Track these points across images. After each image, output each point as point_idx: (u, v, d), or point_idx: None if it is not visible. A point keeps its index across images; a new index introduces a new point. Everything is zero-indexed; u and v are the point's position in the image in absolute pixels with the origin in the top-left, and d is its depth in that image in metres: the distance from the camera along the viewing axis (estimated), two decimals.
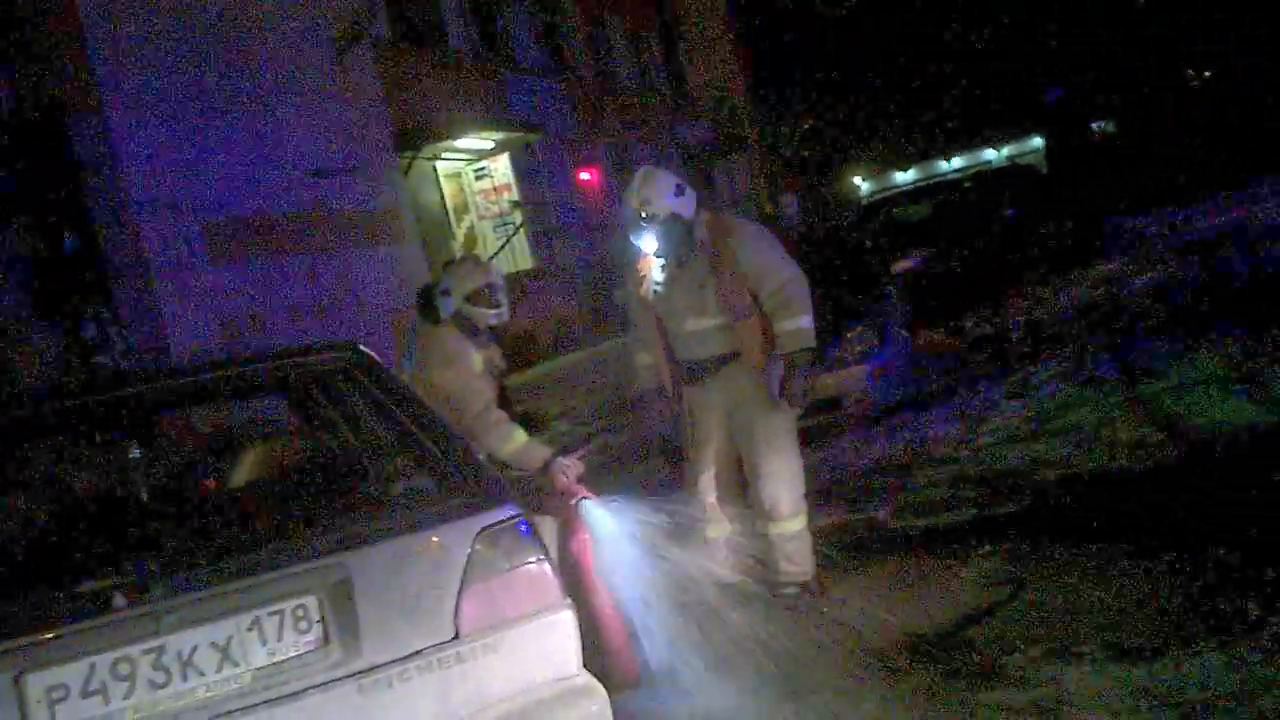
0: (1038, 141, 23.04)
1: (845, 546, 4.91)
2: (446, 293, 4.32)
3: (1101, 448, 5.48)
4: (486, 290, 4.33)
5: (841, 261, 7.95)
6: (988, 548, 4.48)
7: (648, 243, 4.44)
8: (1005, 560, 4.33)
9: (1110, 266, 11.67)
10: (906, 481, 5.74)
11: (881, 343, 7.37)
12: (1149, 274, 10.64)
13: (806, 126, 28.11)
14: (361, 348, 2.94)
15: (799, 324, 4.30)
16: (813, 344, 4.35)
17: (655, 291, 4.56)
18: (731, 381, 4.44)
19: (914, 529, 5.01)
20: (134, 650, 2.16)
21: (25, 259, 9.94)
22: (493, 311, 4.34)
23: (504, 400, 4.45)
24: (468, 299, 4.29)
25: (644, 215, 4.35)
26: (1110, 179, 18.20)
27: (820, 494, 5.35)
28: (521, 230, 16.02)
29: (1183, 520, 4.16)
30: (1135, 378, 6.62)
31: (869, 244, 8.52)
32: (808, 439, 5.96)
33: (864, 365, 7.27)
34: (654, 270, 4.55)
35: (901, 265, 8.91)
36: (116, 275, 10.15)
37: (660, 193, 4.36)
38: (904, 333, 7.76)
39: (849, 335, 7.30)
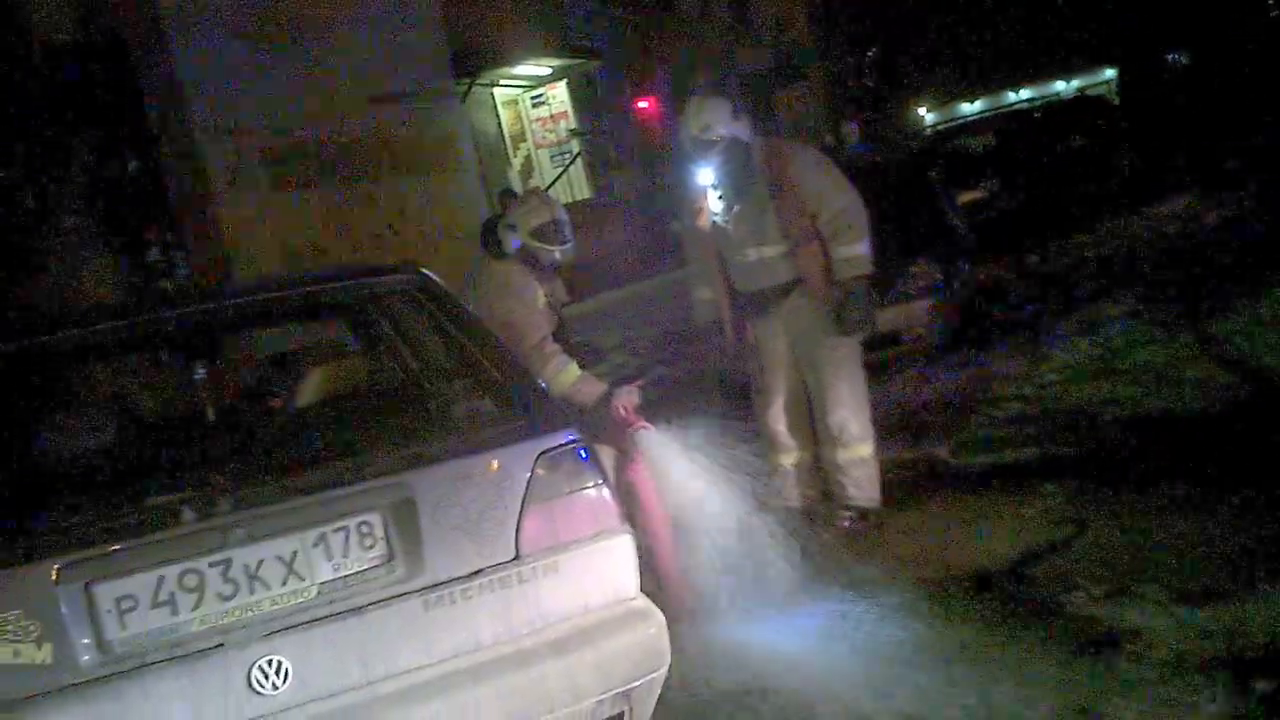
0: (1109, 73, 22.31)
1: (905, 482, 4.88)
2: (512, 227, 4.30)
3: (1169, 387, 5.36)
4: (552, 226, 4.30)
5: (904, 194, 7.76)
6: (1050, 487, 4.42)
7: (705, 174, 4.38)
8: (1068, 500, 4.27)
9: (1183, 201, 11.32)
10: (968, 418, 5.67)
11: (944, 277, 7.22)
12: (1223, 210, 10.30)
13: (870, 55, 27.44)
14: (424, 270, 2.94)
15: (856, 250, 4.27)
16: (869, 270, 4.30)
17: (714, 223, 4.51)
18: (794, 310, 4.42)
19: (975, 466, 4.95)
20: (202, 563, 2.20)
21: (89, 184, 10.07)
22: (559, 248, 4.32)
23: (563, 333, 4.45)
24: (533, 234, 4.26)
25: (704, 140, 4.30)
26: (1184, 112, 17.57)
27: (880, 429, 5.30)
28: (579, 159, 15.91)
29: (1250, 462, 4.06)
30: (1206, 317, 6.44)
31: (933, 176, 8.31)
32: (871, 373, 5.91)
33: (926, 300, 7.13)
34: (711, 201, 4.50)
35: (966, 198, 8.71)
36: (179, 201, 10.27)
37: (719, 117, 4.30)
38: (968, 267, 7.60)
39: (911, 269, 7.15)
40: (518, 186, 12.98)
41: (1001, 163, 10.56)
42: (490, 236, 4.39)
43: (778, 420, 4.63)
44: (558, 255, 4.31)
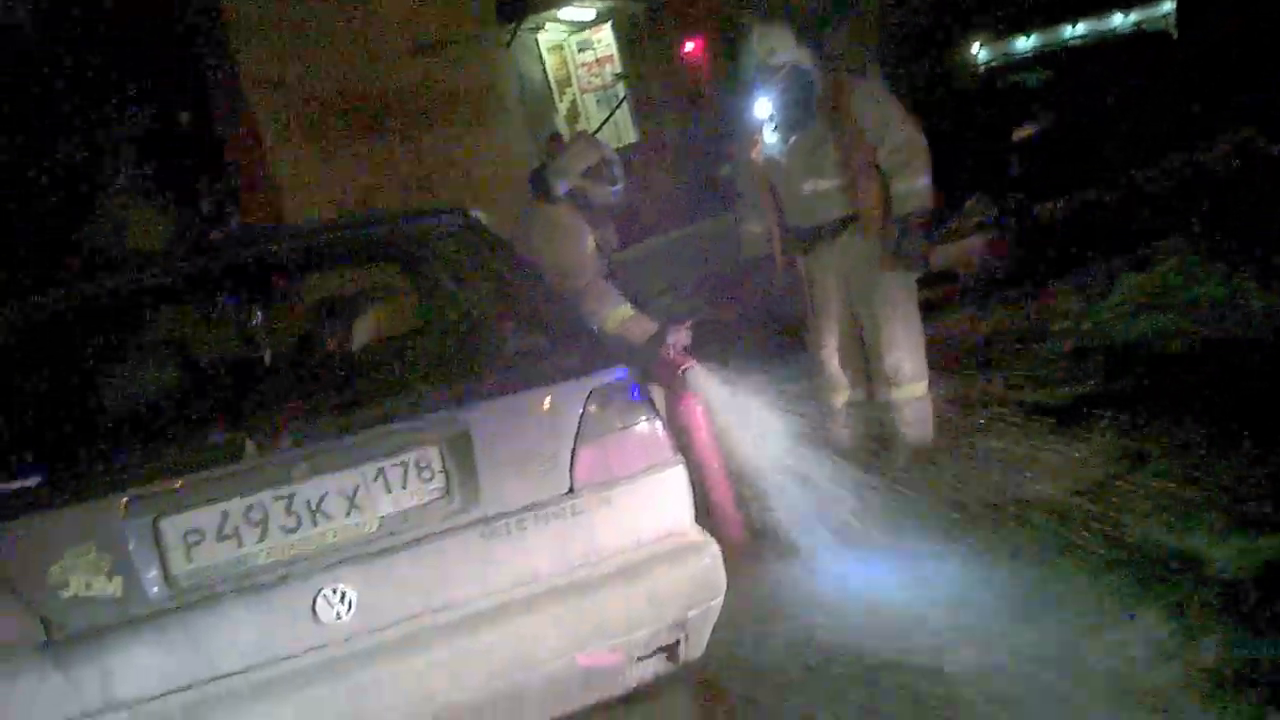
0: (1168, 6, 21.58)
1: (961, 420, 4.84)
2: (561, 171, 4.29)
3: (1227, 320, 5.25)
4: (603, 166, 4.28)
5: (958, 130, 7.62)
6: (1107, 421, 4.36)
7: (761, 105, 4.33)
8: (1126, 433, 4.21)
9: (1242, 135, 10.97)
10: (1024, 355, 5.60)
11: (999, 214, 7.10)
12: None
13: None
14: (473, 212, 2.95)
15: (917, 184, 4.19)
16: (930, 205, 4.23)
17: (769, 156, 4.46)
18: (849, 246, 4.36)
19: (1031, 402, 4.89)
20: (265, 497, 2.25)
21: (141, 137, 10.19)
22: (610, 188, 4.30)
23: (613, 278, 4.45)
24: (584, 176, 4.26)
25: (769, 65, 4.24)
26: (1244, 44, 16.96)
27: (935, 367, 5.26)
28: (625, 104, 15.78)
29: None
30: (1266, 250, 6.26)
31: (987, 112, 8.13)
32: (925, 310, 5.85)
33: (981, 237, 7.03)
34: (767, 134, 4.44)
35: (1020, 134, 8.51)
36: (230, 153, 10.36)
37: (784, 43, 4.25)
38: (1023, 203, 7.45)
39: (966, 206, 7.04)
40: (564, 132, 12.93)
41: (1057, 98, 10.29)
42: (540, 181, 4.39)
43: (830, 359, 4.59)
44: (609, 195, 4.30)
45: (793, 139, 4.33)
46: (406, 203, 10.70)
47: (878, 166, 4.22)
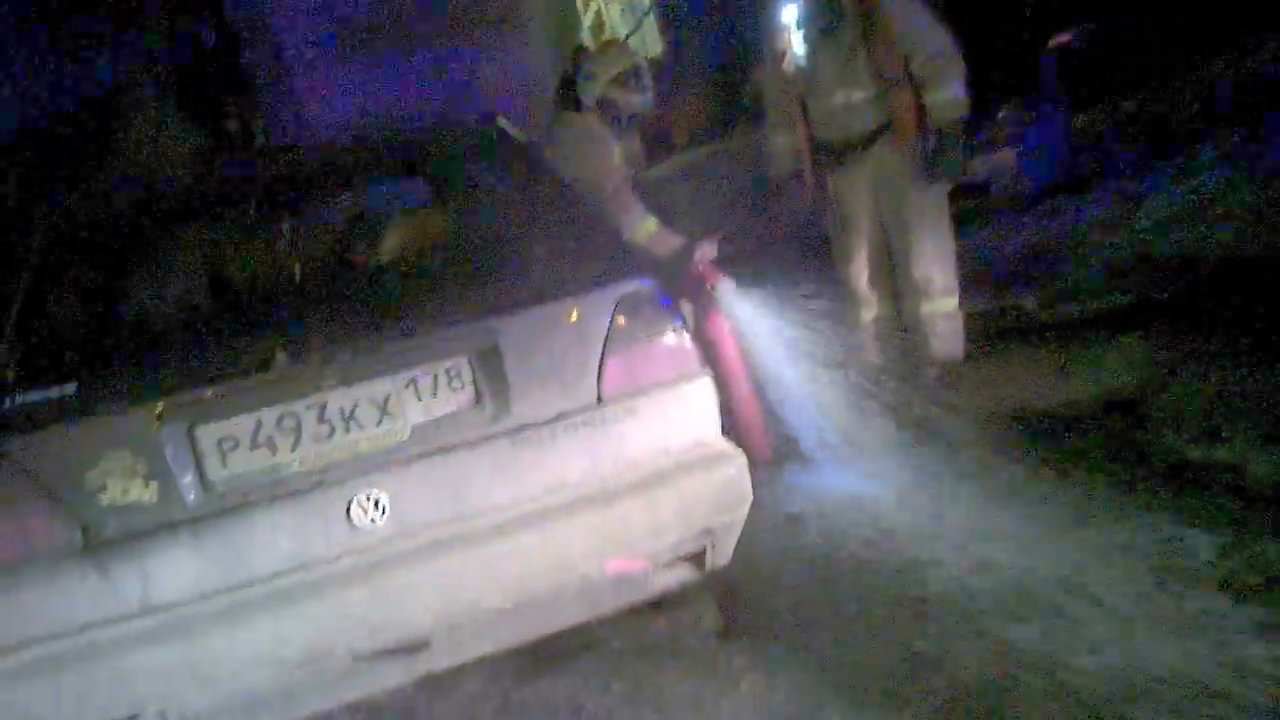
0: None
1: (992, 333, 4.81)
2: (589, 78, 4.22)
3: (1266, 231, 5.13)
4: (632, 73, 4.22)
5: (994, 36, 7.42)
6: (1139, 334, 4.31)
7: (789, 11, 4.23)
8: (1157, 347, 4.16)
9: None
10: (1058, 267, 5.53)
11: (1035, 123, 6.95)
12: None
13: None
14: (502, 122, 2.92)
15: (952, 93, 4.11)
16: (966, 114, 4.15)
17: (797, 65, 4.36)
18: (880, 158, 4.29)
19: (1064, 316, 4.85)
20: (298, 405, 2.28)
21: (168, 58, 10.14)
22: (640, 96, 4.24)
23: (639, 192, 4.41)
24: (612, 83, 4.19)
25: None
26: None
27: (966, 281, 5.20)
28: (650, 15, 15.48)
29: None
30: None
31: (1023, 16, 7.92)
32: (958, 223, 5.77)
33: (1016, 147, 6.90)
34: (795, 42, 4.34)
35: (1058, 39, 8.28)
36: (255, 73, 10.30)
37: None
38: (1059, 112, 7.29)
39: (1000, 115, 6.90)
40: (590, 45, 12.71)
41: (1096, 3, 9.99)
42: (567, 91, 4.33)
43: (859, 274, 4.55)
44: (638, 103, 4.24)
45: (822, 48, 4.24)
46: (431, 117, 10.62)
47: (910, 76, 4.13)
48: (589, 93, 4.21)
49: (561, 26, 14.19)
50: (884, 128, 4.25)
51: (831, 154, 4.42)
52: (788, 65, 4.39)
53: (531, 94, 10.93)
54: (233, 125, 10.64)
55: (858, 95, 4.24)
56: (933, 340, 4.40)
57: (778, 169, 4.70)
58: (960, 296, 4.43)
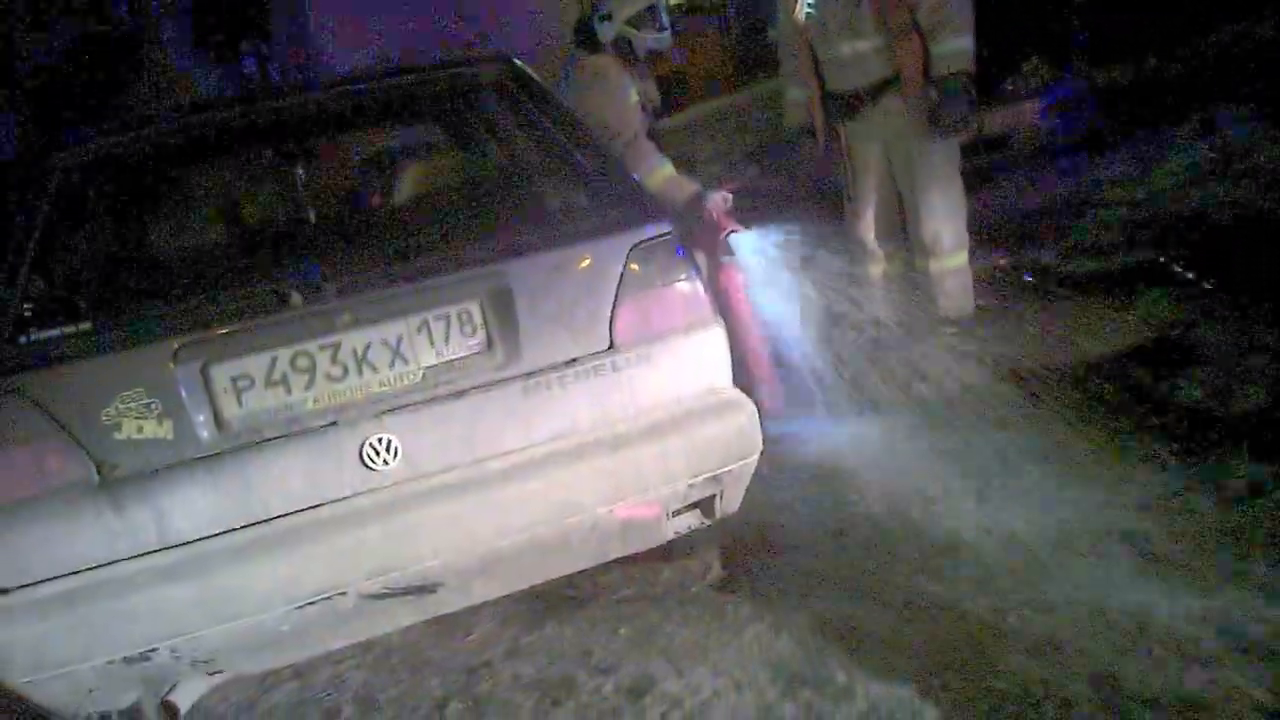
0: None
1: (1008, 288, 4.78)
2: (607, 17, 4.17)
3: None
4: (649, 12, 4.17)
5: None
6: (1157, 291, 4.28)
7: None
8: (1175, 304, 4.14)
9: None
10: (1076, 223, 5.48)
11: (1058, 76, 6.85)
12: None
13: None
14: (516, 60, 2.89)
15: (956, 44, 4.00)
16: (969, 67, 4.03)
17: (808, 13, 4.30)
18: (889, 111, 4.22)
19: (1081, 271, 4.81)
20: (311, 345, 2.28)
21: None
22: (656, 34, 4.19)
23: (655, 136, 4.37)
24: (630, 22, 4.15)
25: None
26: None
27: (985, 235, 5.16)
28: None
29: None
30: None
31: None
32: (975, 178, 5.71)
33: (1037, 100, 6.80)
34: None
35: None
36: (273, 10, 10.21)
37: None
38: (1082, 66, 7.17)
39: (1023, 69, 6.80)
40: None
41: None
42: (584, 30, 4.29)
43: (868, 229, 4.50)
44: (654, 42, 4.20)
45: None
46: (450, 55, 10.54)
47: (917, 26, 4.05)
48: (606, 32, 4.16)
49: None
50: (891, 80, 4.17)
51: (842, 106, 4.36)
52: (799, 14, 4.32)
53: (551, 34, 10.82)
54: (248, 65, 10.57)
55: (864, 45, 4.16)
56: (941, 298, 4.35)
57: (790, 121, 4.65)
58: (974, 251, 4.38)
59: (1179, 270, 4.42)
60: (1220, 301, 4.00)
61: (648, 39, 4.16)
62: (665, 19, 4.20)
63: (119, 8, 9.78)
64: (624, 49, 4.16)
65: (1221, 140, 6.19)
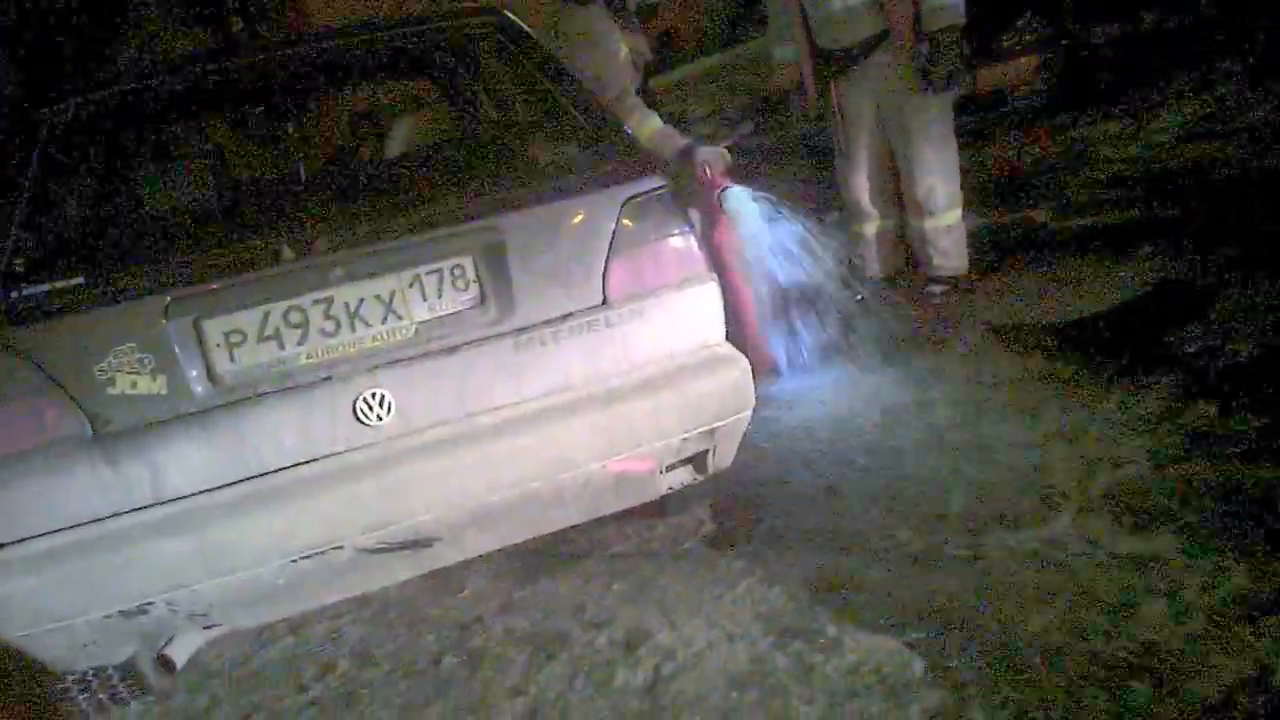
0: None
1: (1001, 246, 4.78)
2: None
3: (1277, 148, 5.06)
4: None
5: None
6: (1150, 248, 4.28)
7: None
8: (1168, 261, 4.14)
9: None
10: (1070, 180, 5.47)
11: (1053, 32, 6.80)
12: None
13: None
14: (506, 12, 2.85)
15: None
16: (961, 21, 4.01)
17: None
18: (880, 67, 4.19)
19: (1074, 229, 4.81)
20: (304, 300, 2.27)
21: None
22: None
23: (646, 89, 4.34)
24: None
25: None
26: None
27: (978, 192, 5.15)
28: None
29: None
30: None
31: None
32: (971, 134, 5.70)
33: (1034, 56, 6.76)
34: None
35: None
36: None
37: None
38: (1078, 23, 7.12)
39: (1018, 24, 6.74)
40: None
41: None
42: None
43: (860, 187, 4.48)
44: None
45: None
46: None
47: None
48: None
49: None
50: (882, 35, 4.13)
51: (833, 63, 4.32)
52: None
53: None
54: (237, 25, 10.45)
55: (855, 1, 4.13)
56: (935, 256, 4.35)
57: (778, 80, 4.61)
58: (962, 210, 4.36)
59: (1174, 226, 4.42)
60: (1212, 258, 4.00)
61: None
62: None
63: None
64: (615, 2, 4.13)
65: (1216, 97, 6.17)
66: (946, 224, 4.31)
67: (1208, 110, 6.03)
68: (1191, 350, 3.32)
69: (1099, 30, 7.68)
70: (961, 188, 4.34)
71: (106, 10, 9.69)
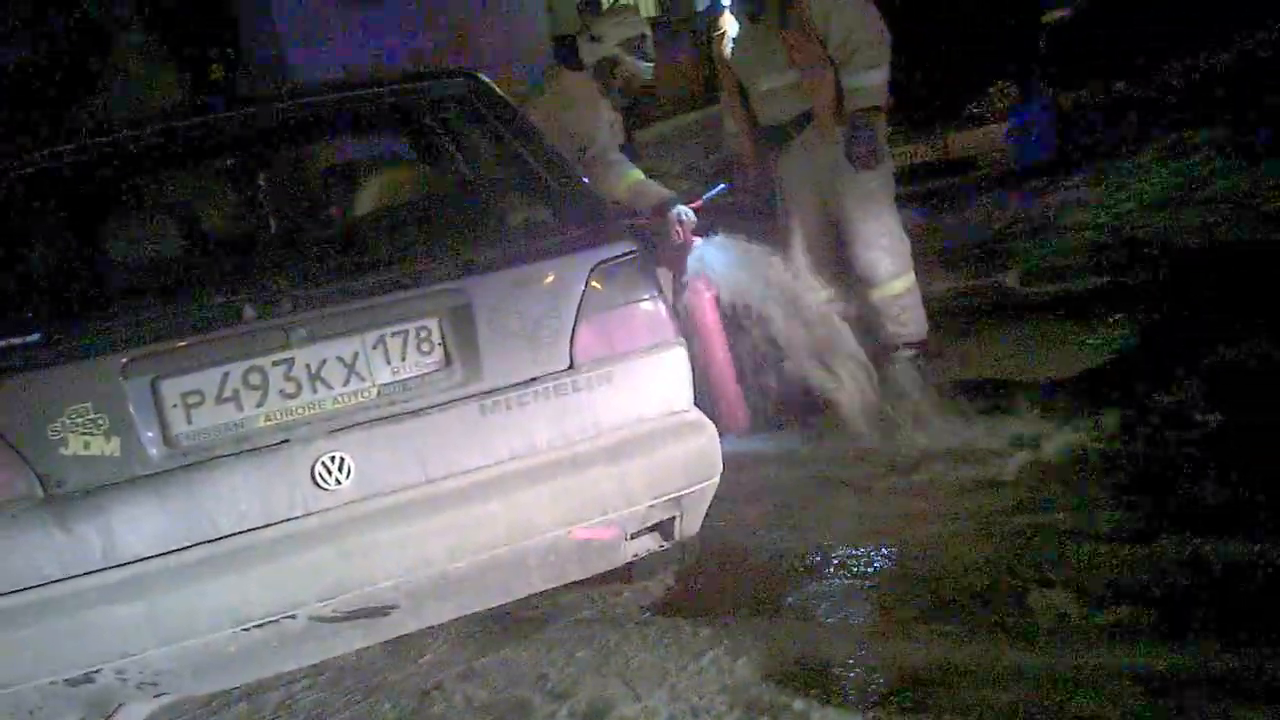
0: None
1: (970, 310, 4.80)
2: (596, 39, 4.21)
3: (1249, 218, 5.14)
4: (639, 41, 4.24)
5: (983, 11, 7.35)
6: (1118, 315, 4.32)
7: None
8: (1136, 327, 4.18)
9: None
10: (1040, 246, 5.53)
11: (1024, 100, 6.92)
12: None
13: None
14: (480, 75, 2.86)
15: (867, 78, 3.95)
16: (880, 102, 3.99)
17: (732, 49, 4.31)
18: (812, 144, 4.17)
19: (1043, 294, 4.85)
20: (264, 361, 2.24)
21: (152, 2, 9.96)
22: (642, 65, 4.26)
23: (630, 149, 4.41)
24: (623, 46, 4.21)
25: None
26: None
27: (947, 257, 5.20)
28: None
29: None
30: None
31: None
32: (940, 200, 5.76)
33: (1003, 124, 6.87)
34: (731, 26, 4.28)
35: (1052, 16, 8.22)
36: (242, 18, 10.12)
37: None
38: (1049, 90, 7.25)
39: (990, 91, 6.86)
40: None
41: None
42: (568, 47, 4.31)
43: (802, 259, 4.42)
44: (640, 71, 4.26)
45: (750, 33, 4.15)
46: (421, 67, 10.47)
47: (832, 61, 4.00)
48: (592, 54, 4.18)
49: None
50: (810, 113, 4.13)
51: (771, 139, 4.33)
52: (724, 48, 4.33)
53: (527, 47, 10.80)
54: (216, 73, 10.46)
55: (780, 81, 4.12)
56: (889, 324, 4.25)
57: (729, 150, 4.63)
58: (912, 275, 4.27)
59: (1142, 295, 4.46)
60: (1180, 326, 4.04)
61: (633, 69, 4.24)
62: (651, 50, 4.29)
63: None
64: (604, 73, 4.20)
65: (1187, 166, 6.28)
66: (894, 293, 4.22)
67: (1178, 179, 6.12)
68: (1156, 421, 3.33)
69: (1069, 97, 7.84)
70: (921, 254, 4.31)
71: (86, 54, 9.69)
